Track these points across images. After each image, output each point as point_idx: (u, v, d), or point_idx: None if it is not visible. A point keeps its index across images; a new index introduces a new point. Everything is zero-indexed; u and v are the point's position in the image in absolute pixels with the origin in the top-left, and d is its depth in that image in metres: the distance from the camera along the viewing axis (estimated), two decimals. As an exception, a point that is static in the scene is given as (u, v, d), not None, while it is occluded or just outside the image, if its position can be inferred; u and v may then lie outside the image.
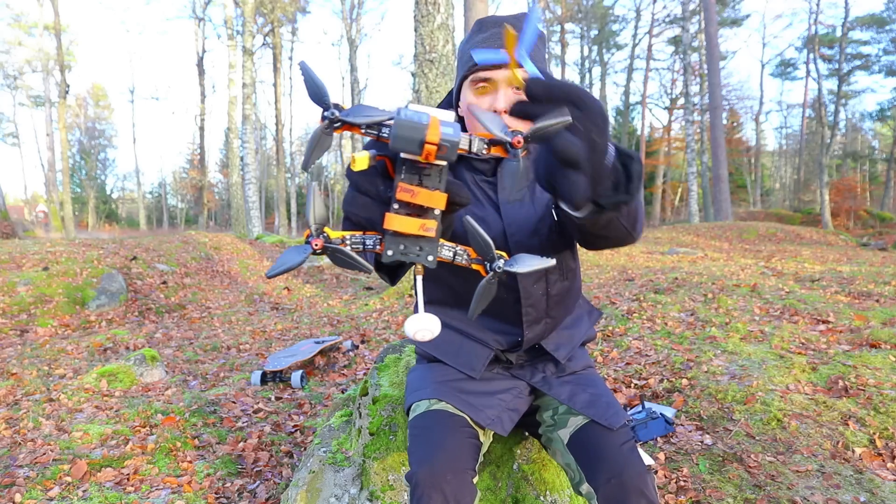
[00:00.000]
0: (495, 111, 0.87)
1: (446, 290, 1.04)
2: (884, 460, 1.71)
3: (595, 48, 27.78)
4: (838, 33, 20.97)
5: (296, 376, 2.79)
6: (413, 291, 1.05)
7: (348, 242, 0.53)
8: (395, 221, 0.51)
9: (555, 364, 1.08)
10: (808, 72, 25.45)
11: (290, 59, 26.49)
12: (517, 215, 0.96)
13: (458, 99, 0.98)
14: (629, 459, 0.89)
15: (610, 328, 3.34)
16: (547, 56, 0.94)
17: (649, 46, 26.95)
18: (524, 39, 0.55)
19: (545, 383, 1.06)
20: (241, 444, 2.04)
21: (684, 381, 2.38)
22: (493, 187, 0.97)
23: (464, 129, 0.97)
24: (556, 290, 1.03)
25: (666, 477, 1.69)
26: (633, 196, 0.62)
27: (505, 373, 1.09)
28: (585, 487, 0.92)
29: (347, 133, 0.57)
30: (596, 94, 27.85)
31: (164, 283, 5.90)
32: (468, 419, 0.99)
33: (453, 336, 1.08)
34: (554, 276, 1.01)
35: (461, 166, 0.99)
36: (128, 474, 1.77)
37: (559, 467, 1.28)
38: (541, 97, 0.51)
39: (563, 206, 0.64)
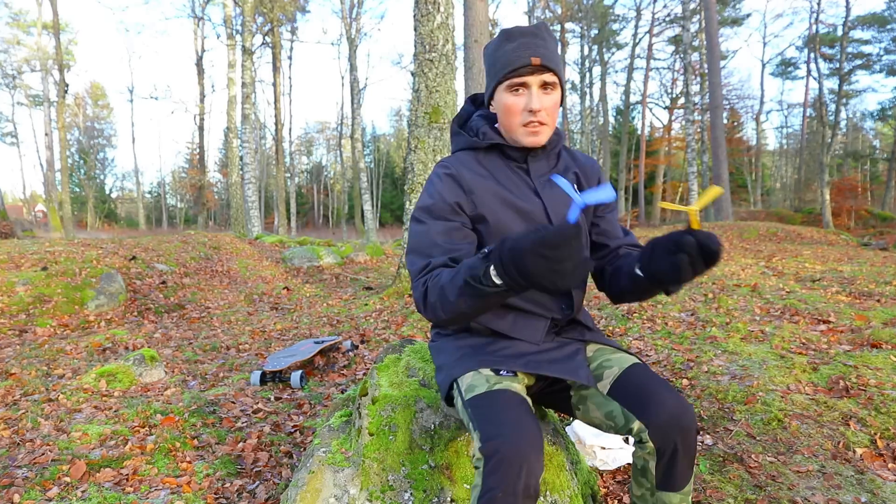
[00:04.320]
0: (530, 110, 1.06)
1: None
2: (885, 461, 1.70)
3: (595, 47, 27.75)
4: (839, 32, 20.95)
5: (295, 376, 2.78)
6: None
7: None
8: None
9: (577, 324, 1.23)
10: (808, 71, 25.43)
11: (290, 58, 26.47)
12: (553, 194, 1.13)
13: (490, 98, 1.14)
14: (679, 398, 0.99)
15: (610, 328, 3.34)
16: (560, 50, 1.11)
17: (650, 46, 26.91)
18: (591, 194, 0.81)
19: (592, 335, 1.19)
20: (240, 445, 2.04)
21: (685, 382, 2.37)
22: (526, 173, 1.14)
23: (496, 128, 1.18)
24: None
25: (666, 477, 1.68)
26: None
27: (562, 338, 1.17)
28: (637, 425, 0.99)
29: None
30: (596, 93, 27.87)
31: (164, 282, 5.90)
32: (527, 399, 1.03)
33: (504, 311, 1.13)
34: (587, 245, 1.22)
35: (494, 154, 1.15)
36: (127, 475, 1.76)
37: (559, 467, 1.28)
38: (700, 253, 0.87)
39: (657, 285, 0.99)
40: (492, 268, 0.82)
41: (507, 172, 1.13)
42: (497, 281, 0.82)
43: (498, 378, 1.05)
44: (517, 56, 1.04)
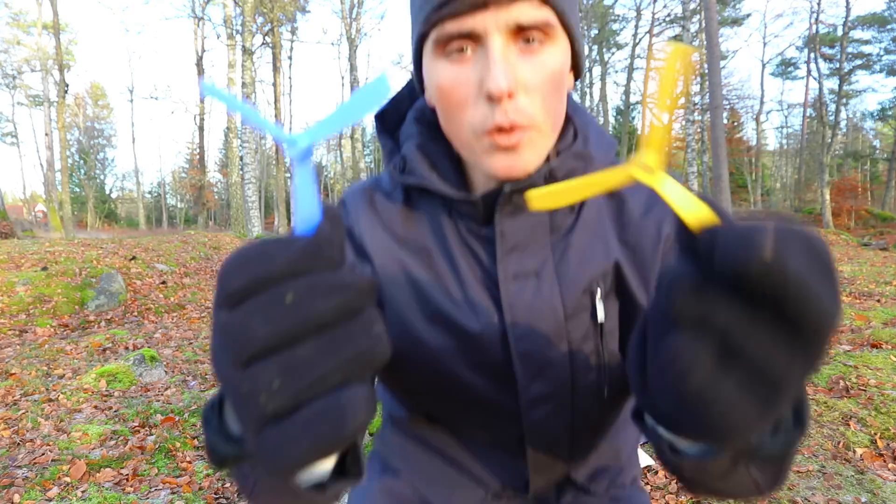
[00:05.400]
0: (490, 97, 0.44)
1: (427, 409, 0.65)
2: (885, 461, 1.70)
3: (595, 47, 27.77)
4: (839, 32, 20.98)
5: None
6: None
7: None
8: None
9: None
10: (808, 71, 25.44)
11: (290, 58, 26.48)
12: (530, 307, 0.52)
13: (422, 81, 0.53)
14: None
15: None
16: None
17: (650, 46, 26.93)
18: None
19: None
20: (240, 445, 2.04)
21: (685, 382, 2.37)
22: (488, 247, 0.53)
23: (439, 134, 0.55)
24: (593, 419, 0.58)
25: (666, 477, 1.69)
26: (798, 440, 0.34)
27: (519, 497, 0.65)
28: None
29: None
30: (596, 93, 27.90)
31: (164, 282, 5.90)
32: None
33: (442, 466, 0.65)
34: (589, 401, 0.55)
35: (437, 206, 0.55)
36: (127, 475, 1.76)
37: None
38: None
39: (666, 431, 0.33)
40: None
41: (448, 241, 0.54)
42: (233, 426, 0.33)
43: None
44: None
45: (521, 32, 0.45)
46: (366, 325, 0.24)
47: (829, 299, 0.22)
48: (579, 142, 0.54)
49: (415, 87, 0.60)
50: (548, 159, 0.52)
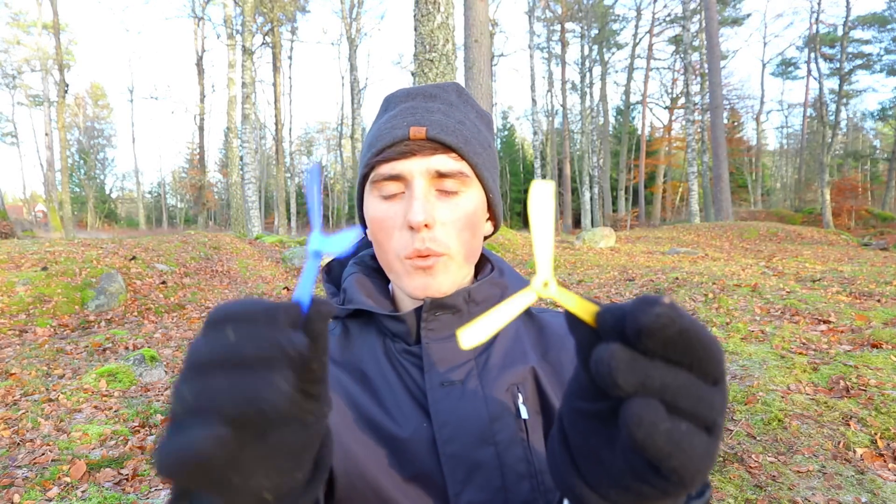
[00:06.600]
0: (411, 227, 0.55)
1: None
2: (885, 461, 1.70)
3: (595, 47, 27.77)
4: (839, 32, 20.98)
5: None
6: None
7: None
8: None
9: None
10: (809, 71, 25.45)
11: (290, 58, 26.49)
12: (456, 410, 0.56)
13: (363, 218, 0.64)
14: None
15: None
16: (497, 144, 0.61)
17: (650, 46, 26.94)
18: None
19: None
20: (240, 445, 2.04)
21: (685, 381, 2.37)
22: (417, 362, 0.59)
23: (373, 272, 0.67)
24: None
25: None
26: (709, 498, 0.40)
27: None
28: None
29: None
30: (596, 93, 27.89)
31: (164, 282, 5.90)
32: None
33: None
34: (517, 451, 0.56)
35: (372, 334, 0.63)
36: (127, 475, 1.76)
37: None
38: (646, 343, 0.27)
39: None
40: None
41: (381, 362, 0.61)
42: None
43: None
44: (389, 128, 0.58)
45: (440, 178, 0.57)
46: (270, 378, 0.28)
47: (707, 332, 0.28)
48: (496, 273, 0.65)
49: (358, 250, 0.73)
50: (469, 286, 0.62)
